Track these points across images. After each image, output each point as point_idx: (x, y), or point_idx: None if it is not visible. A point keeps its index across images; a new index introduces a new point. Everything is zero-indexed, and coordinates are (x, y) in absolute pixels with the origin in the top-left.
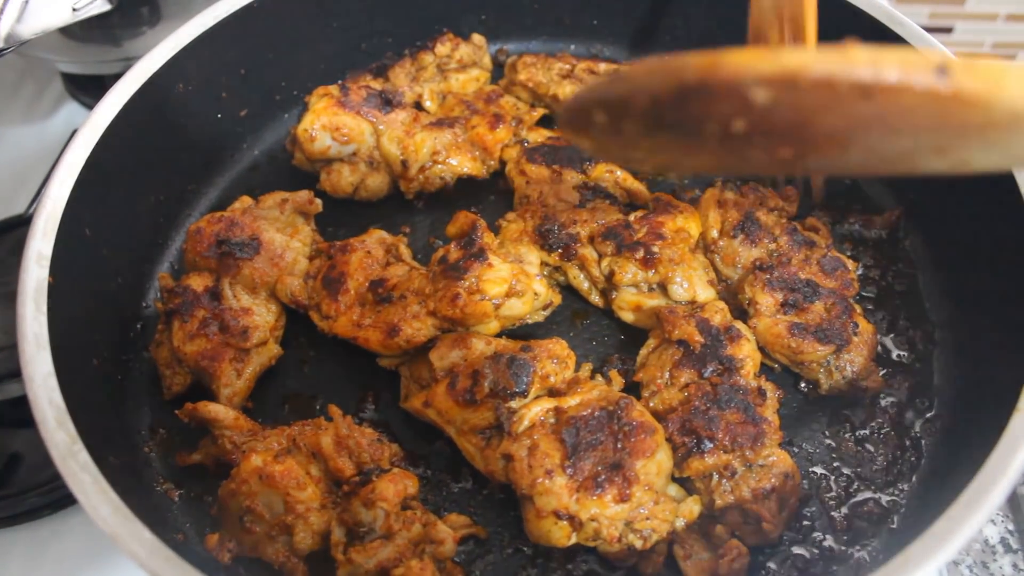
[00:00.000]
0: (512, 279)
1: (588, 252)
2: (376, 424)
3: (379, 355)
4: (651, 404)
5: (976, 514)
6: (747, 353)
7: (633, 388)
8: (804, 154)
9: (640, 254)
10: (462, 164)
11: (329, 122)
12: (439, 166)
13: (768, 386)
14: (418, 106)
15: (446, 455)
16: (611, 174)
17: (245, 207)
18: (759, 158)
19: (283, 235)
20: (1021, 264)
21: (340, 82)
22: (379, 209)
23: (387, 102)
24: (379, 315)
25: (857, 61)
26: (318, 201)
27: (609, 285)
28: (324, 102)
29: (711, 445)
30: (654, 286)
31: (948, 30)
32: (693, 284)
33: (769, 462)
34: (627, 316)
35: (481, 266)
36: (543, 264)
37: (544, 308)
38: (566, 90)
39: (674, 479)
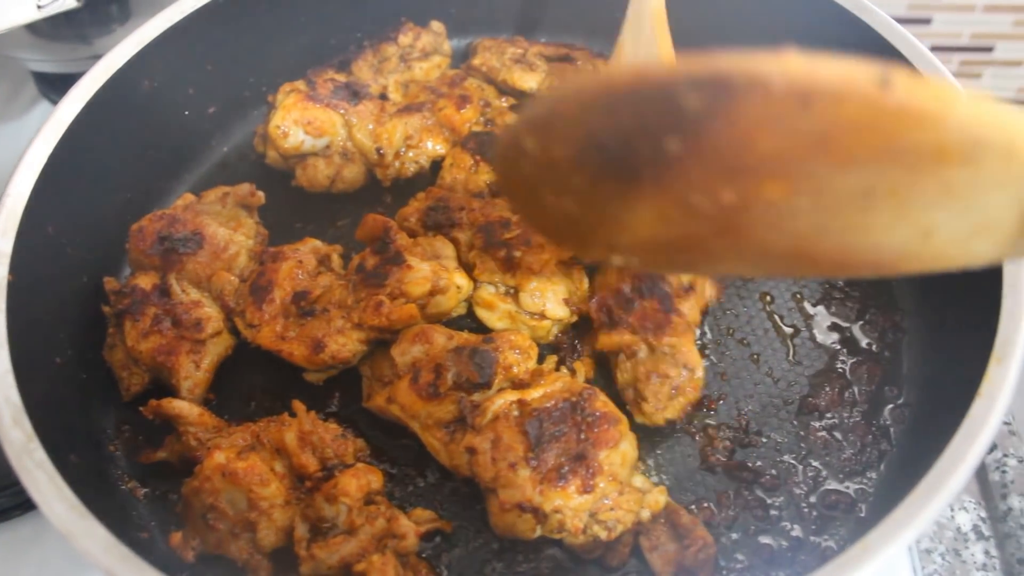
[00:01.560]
0: (433, 276)
1: (463, 237)
2: (342, 420)
3: (304, 369)
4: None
5: (936, 499)
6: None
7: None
8: (749, 201)
9: (502, 254)
10: (435, 146)
11: (300, 117)
12: (413, 151)
13: (710, 288)
14: (383, 97)
15: (412, 450)
16: None
17: (187, 203)
18: (703, 208)
19: (226, 229)
20: None
21: (305, 77)
22: (355, 200)
23: (355, 94)
24: (303, 328)
25: (792, 64)
26: (260, 193)
27: (470, 278)
28: (292, 97)
29: (620, 325)
30: (510, 290)
31: (927, 21)
32: (545, 297)
33: (670, 351)
34: (481, 313)
35: (400, 269)
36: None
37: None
38: (515, 75)
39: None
